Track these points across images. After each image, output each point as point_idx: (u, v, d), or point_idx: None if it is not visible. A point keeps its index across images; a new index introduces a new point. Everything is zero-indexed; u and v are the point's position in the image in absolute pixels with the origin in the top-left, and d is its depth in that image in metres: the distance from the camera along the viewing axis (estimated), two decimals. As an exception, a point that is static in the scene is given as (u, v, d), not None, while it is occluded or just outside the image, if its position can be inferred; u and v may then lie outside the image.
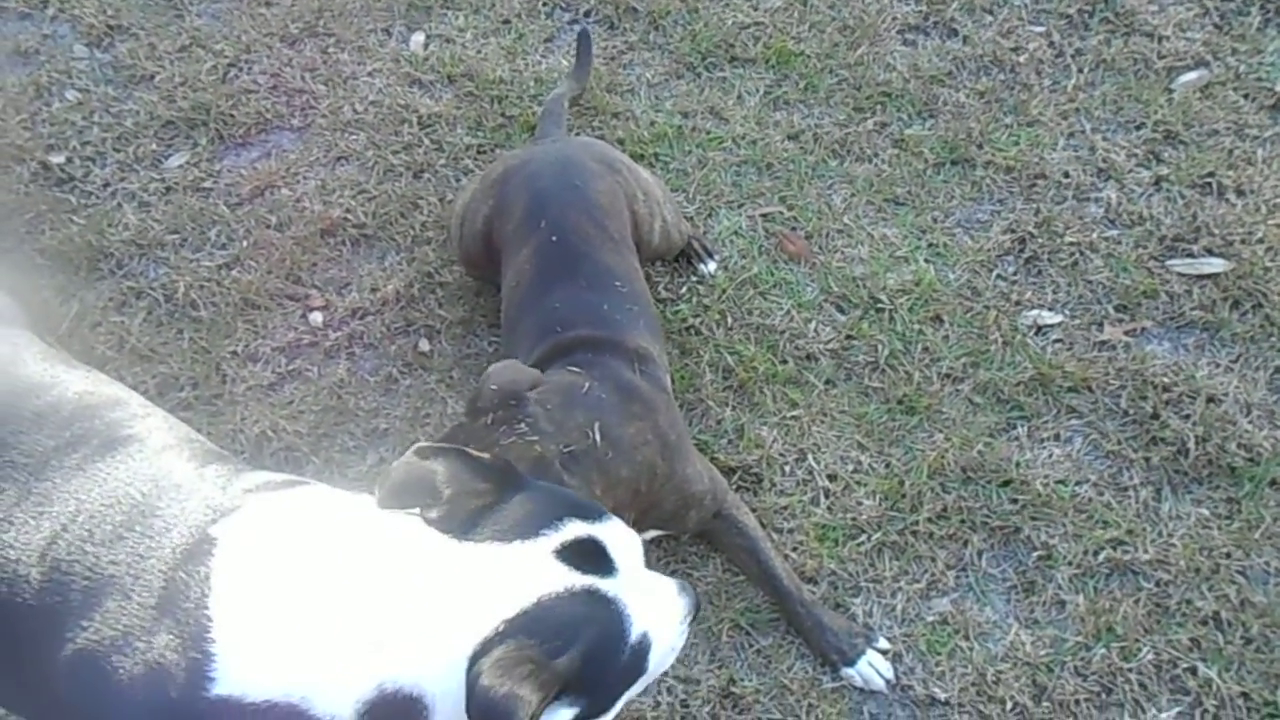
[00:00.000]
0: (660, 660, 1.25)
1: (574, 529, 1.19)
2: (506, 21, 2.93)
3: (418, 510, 1.20)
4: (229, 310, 2.39)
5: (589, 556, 1.18)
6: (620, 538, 1.23)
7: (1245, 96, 2.62)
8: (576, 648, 1.11)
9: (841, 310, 2.33)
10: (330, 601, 1.12)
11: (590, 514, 1.22)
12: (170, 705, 1.12)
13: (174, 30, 2.96)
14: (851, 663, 1.86)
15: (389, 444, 2.18)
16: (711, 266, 2.40)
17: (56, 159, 2.67)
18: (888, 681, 1.86)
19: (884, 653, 1.88)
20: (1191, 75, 2.67)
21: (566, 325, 1.89)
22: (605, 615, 1.16)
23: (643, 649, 1.19)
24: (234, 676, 1.11)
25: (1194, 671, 1.83)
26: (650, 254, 2.24)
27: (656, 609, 1.24)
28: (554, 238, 1.98)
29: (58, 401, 1.36)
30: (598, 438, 1.66)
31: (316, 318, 2.37)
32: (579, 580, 1.15)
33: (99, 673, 1.14)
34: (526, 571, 1.15)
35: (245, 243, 2.50)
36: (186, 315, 2.39)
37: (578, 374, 1.78)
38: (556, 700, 1.10)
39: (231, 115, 2.74)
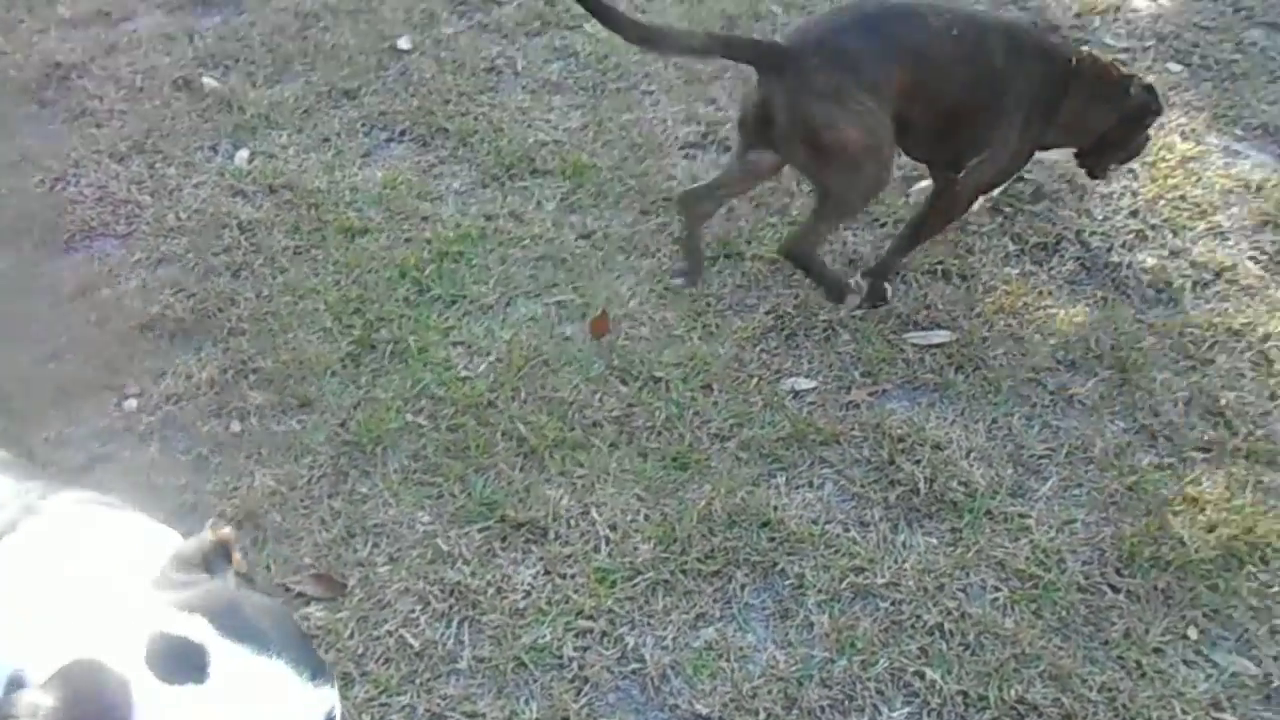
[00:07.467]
0: None
1: (206, 636, 0.99)
2: (326, 139, 3.21)
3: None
4: (43, 402, 2.49)
5: (178, 658, 0.98)
6: (254, 692, 0.98)
7: (968, 199, 3.08)
8: (56, 687, 0.97)
9: (624, 383, 2.60)
10: (35, 595, 1.16)
11: (250, 638, 1.00)
12: None
13: (4, 149, 3.11)
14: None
15: (196, 519, 2.29)
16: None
17: (-126, 265, 2.76)
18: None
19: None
20: (923, 184, 3.13)
21: None
22: (110, 693, 0.97)
23: None
24: None
25: (921, 675, 2.08)
26: None
27: None
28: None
29: None
30: None
31: (131, 404, 2.50)
32: (137, 666, 0.98)
33: None
34: (126, 619, 1.04)
35: (64, 339, 2.63)
36: (1, 406, 2.48)
37: None
38: None
39: (56, 223, 2.90)
